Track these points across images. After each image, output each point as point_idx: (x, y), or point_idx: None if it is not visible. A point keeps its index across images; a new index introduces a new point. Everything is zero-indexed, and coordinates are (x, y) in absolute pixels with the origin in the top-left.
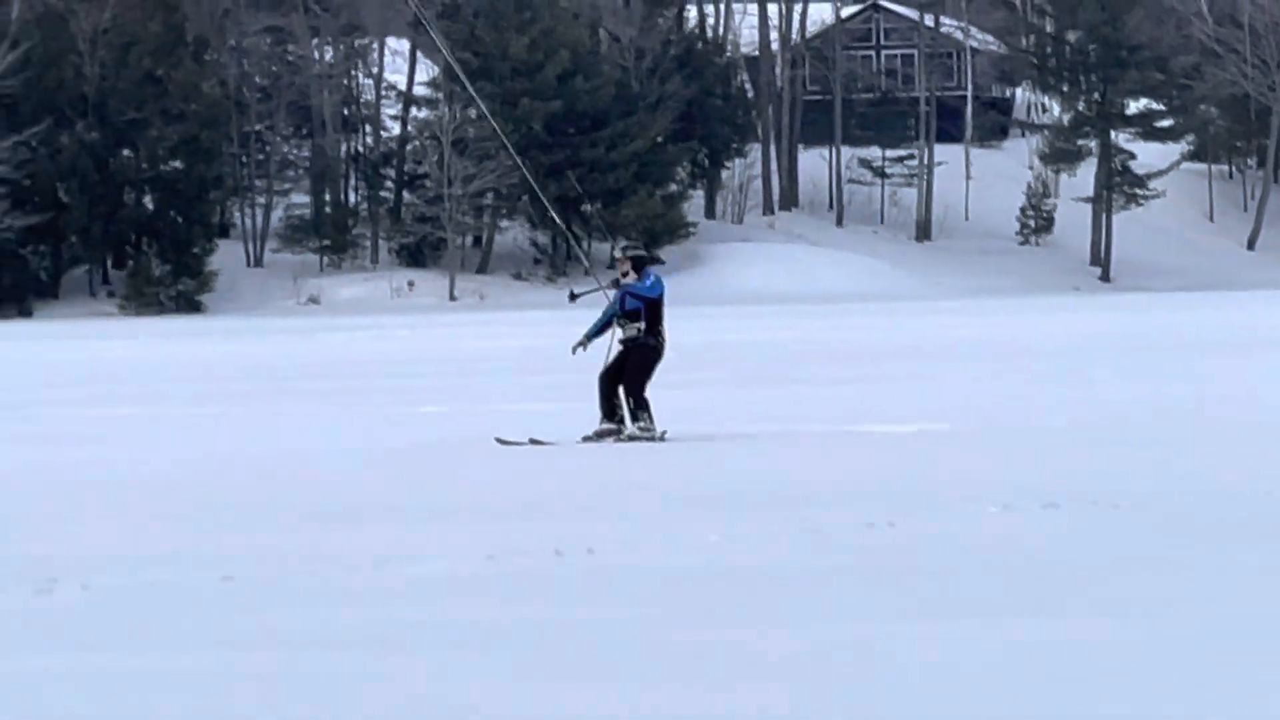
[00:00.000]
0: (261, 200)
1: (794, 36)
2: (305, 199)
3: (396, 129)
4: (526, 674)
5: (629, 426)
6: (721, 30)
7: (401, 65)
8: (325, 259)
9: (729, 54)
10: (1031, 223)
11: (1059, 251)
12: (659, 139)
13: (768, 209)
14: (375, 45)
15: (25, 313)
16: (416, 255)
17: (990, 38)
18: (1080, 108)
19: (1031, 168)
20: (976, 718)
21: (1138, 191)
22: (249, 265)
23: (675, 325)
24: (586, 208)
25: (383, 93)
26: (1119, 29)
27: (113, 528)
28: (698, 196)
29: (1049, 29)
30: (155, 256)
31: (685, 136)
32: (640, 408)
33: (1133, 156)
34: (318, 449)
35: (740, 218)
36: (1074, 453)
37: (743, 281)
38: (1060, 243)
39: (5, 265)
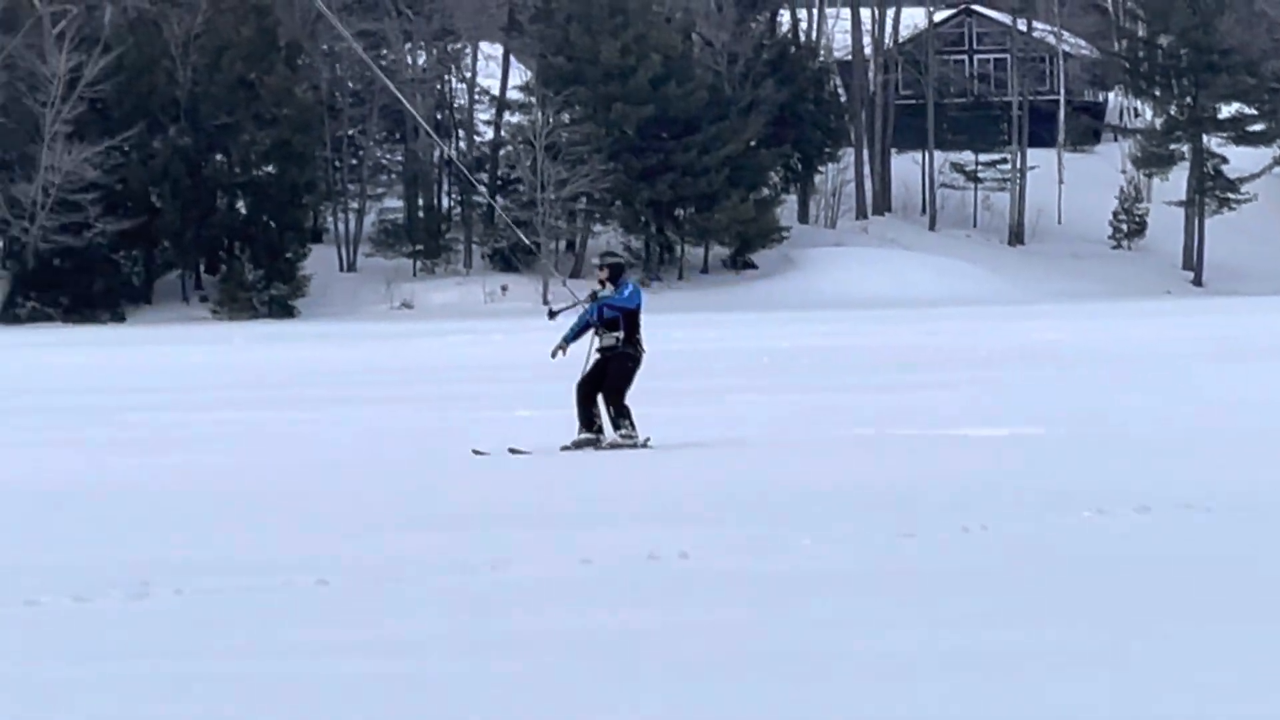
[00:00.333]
0: (354, 205)
1: (887, 41)
2: (398, 204)
3: (490, 133)
4: (626, 679)
5: (609, 435)
6: (814, 35)
7: (495, 70)
8: (418, 264)
9: (822, 58)
10: (1124, 227)
11: (1151, 256)
12: (752, 143)
13: (861, 213)
14: (468, 49)
15: (118, 318)
16: (509, 260)
17: (1082, 42)
18: (1172, 112)
19: (1124, 172)
20: None
21: (1229, 195)
22: (342, 270)
23: (770, 329)
24: (679, 212)
25: (476, 97)
26: (1210, 33)
27: (205, 532)
28: (791, 201)
29: (1141, 33)
30: (248, 261)
31: (778, 141)
32: (621, 415)
33: (1224, 160)
34: (410, 454)
35: (833, 222)
36: (1166, 457)
37: (836, 286)
38: (1152, 247)
39: (98, 270)
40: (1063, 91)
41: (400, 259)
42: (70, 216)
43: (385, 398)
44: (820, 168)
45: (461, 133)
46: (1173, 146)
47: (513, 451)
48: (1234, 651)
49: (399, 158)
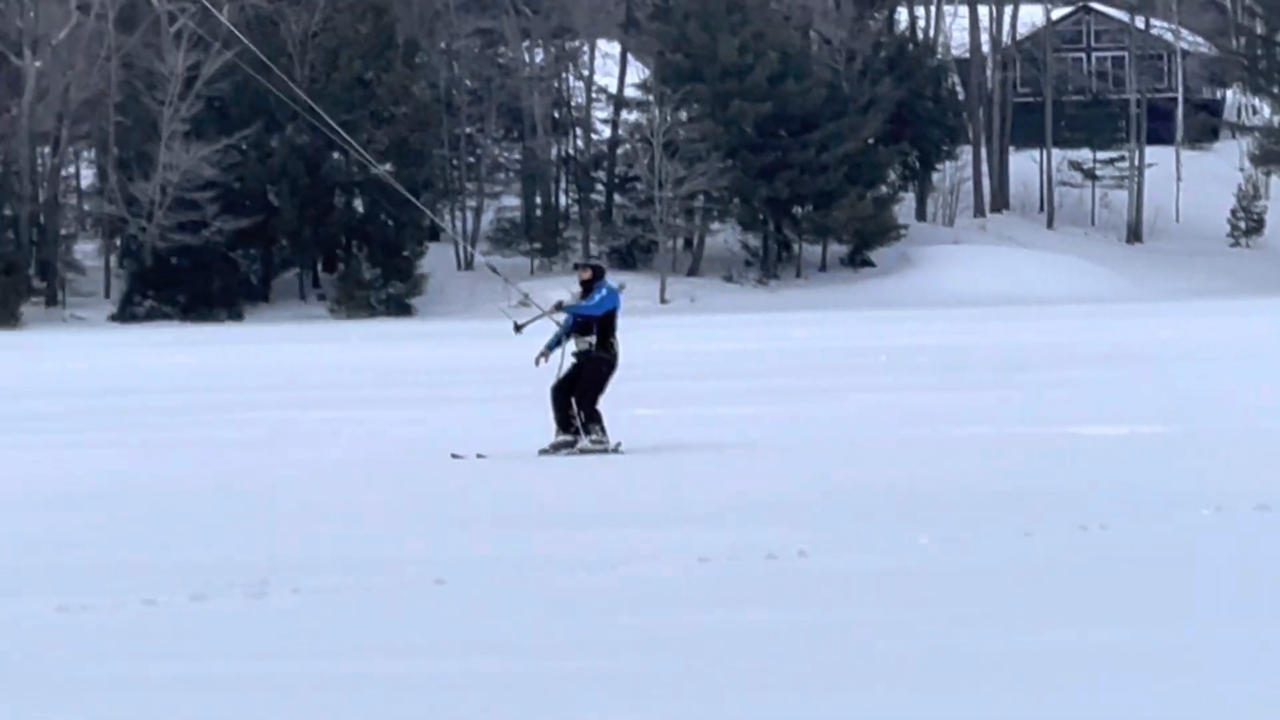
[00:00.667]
0: (472, 203)
1: (1004, 38)
2: (516, 202)
3: (607, 131)
4: (746, 680)
5: (583, 439)
6: (932, 32)
7: (612, 67)
8: (536, 262)
9: (940, 56)
10: (1242, 224)
11: (1270, 253)
12: (870, 141)
13: (978, 211)
14: (585, 47)
15: (236, 316)
16: (627, 258)
17: (1201, 39)
18: None
19: (1242, 169)
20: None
21: None
22: (459, 268)
23: (888, 328)
24: (797, 210)
25: (593, 95)
26: None
27: (322, 530)
28: (908, 199)
29: (1259, 30)
30: (365, 260)
31: (896, 139)
32: (592, 420)
33: None
34: (527, 452)
35: (951, 220)
36: None
37: (953, 284)
38: (1271, 244)
39: (216, 269)
40: (1181, 89)
41: (518, 257)
42: (188, 215)
43: (500, 396)
44: (938, 165)
45: (579, 131)
46: None
47: (478, 456)
48: None
49: (516, 156)
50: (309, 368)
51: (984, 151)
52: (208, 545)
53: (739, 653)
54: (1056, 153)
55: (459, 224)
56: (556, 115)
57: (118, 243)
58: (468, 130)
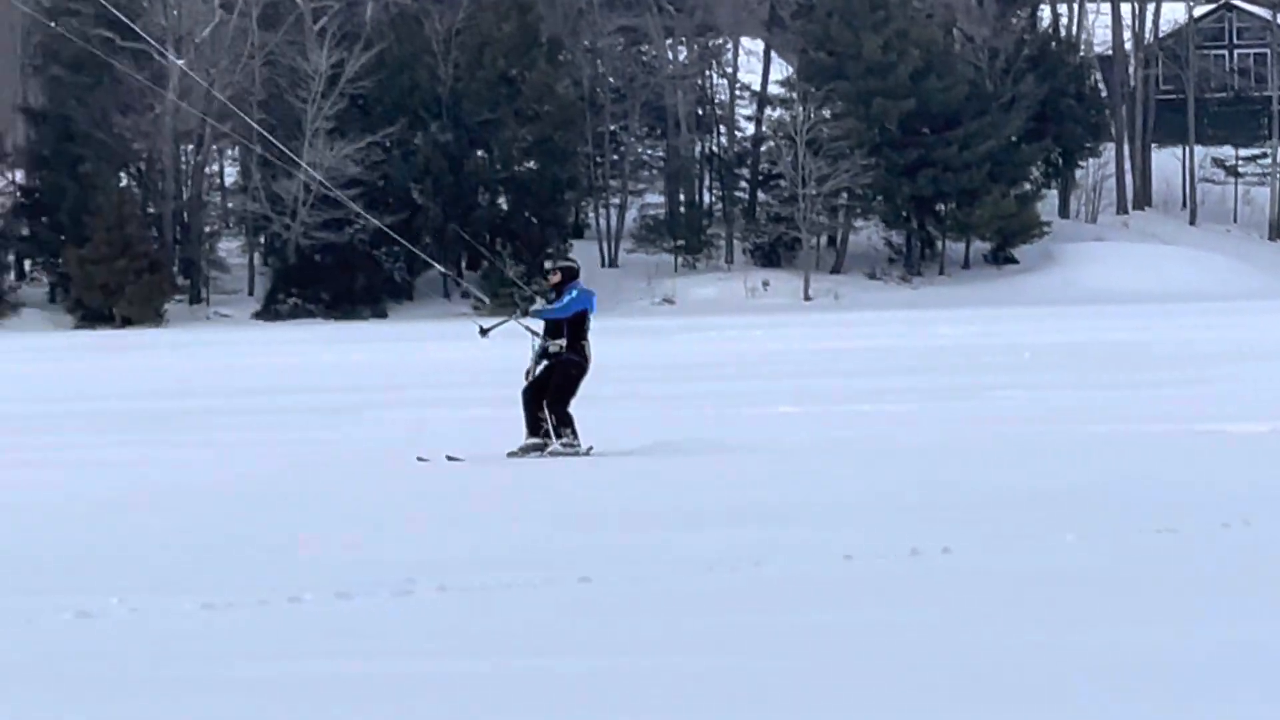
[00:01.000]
0: (616, 201)
1: (1147, 36)
2: (659, 199)
3: (751, 129)
4: (888, 681)
5: (554, 442)
6: (1075, 30)
7: (755, 65)
8: (680, 259)
9: (1082, 54)
10: None
11: None
12: (1013, 139)
13: (1121, 208)
14: (729, 45)
15: (380, 314)
16: (771, 255)
17: None
18: None
19: None
20: None
21: None
22: (603, 266)
23: (1031, 324)
24: (940, 207)
25: (737, 92)
26: None
27: (468, 527)
28: (1051, 196)
29: None
30: (509, 257)
31: (1039, 136)
32: (563, 423)
33: None
34: (666, 449)
35: (1094, 217)
36: None
37: (1096, 281)
38: None
39: (360, 267)
40: None
41: (662, 254)
42: (331, 213)
43: (644, 395)
44: (1081, 163)
45: (722, 128)
46: None
47: (449, 459)
48: None
49: (660, 153)
50: (452, 366)
51: (1126, 149)
52: (356, 542)
53: (892, 651)
54: (1199, 150)
55: (603, 222)
56: (700, 113)
57: (261, 240)
58: (611, 128)
